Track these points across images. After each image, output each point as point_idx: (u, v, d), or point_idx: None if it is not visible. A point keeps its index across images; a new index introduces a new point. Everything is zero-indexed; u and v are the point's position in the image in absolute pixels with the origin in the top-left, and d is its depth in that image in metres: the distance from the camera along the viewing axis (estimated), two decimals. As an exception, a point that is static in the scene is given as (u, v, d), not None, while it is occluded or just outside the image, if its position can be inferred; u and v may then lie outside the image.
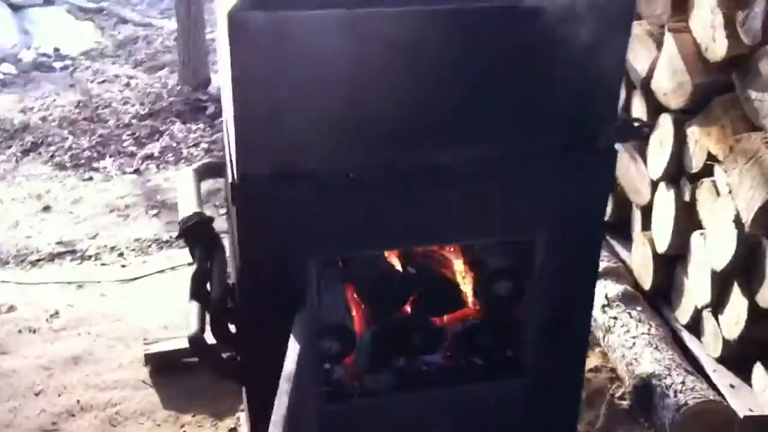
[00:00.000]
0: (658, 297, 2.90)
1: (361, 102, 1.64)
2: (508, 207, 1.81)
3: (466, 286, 2.11)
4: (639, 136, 1.99)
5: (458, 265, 2.12)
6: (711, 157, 2.52)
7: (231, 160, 1.81)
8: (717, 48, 2.47)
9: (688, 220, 2.64)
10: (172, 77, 6.63)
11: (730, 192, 2.36)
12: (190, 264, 2.08)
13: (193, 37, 6.17)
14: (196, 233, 2.41)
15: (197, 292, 2.14)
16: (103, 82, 6.75)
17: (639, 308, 2.78)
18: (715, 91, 2.56)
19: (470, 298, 2.11)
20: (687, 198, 2.65)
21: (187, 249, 2.13)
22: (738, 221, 2.30)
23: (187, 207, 2.51)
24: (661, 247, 2.79)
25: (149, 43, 7.85)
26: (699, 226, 2.61)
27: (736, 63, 2.47)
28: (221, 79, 2.02)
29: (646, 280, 2.93)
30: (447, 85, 1.66)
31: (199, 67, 6.26)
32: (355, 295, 2.10)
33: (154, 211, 4.55)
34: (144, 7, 9.44)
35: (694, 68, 2.60)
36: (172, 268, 3.82)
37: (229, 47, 1.55)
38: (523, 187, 1.80)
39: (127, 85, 6.61)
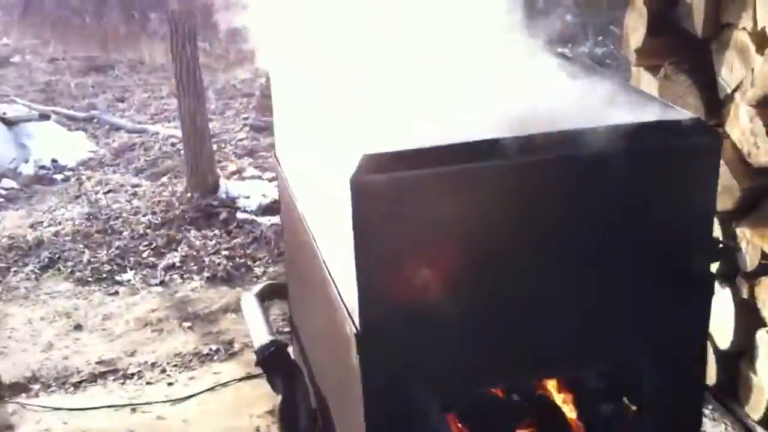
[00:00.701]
0: (725, 393, 3.01)
1: (476, 254, 1.76)
2: (613, 334, 1.93)
3: (569, 408, 2.19)
4: (730, 256, 2.13)
5: (559, 387, 2.21)
6: (765, 256, 2.66)
7: (345, 307, 1.88)
8: (762, 155, 2.65)
9: (748, 317, 2.77)
10: (178, 184, 6.72)
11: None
12: (242, 379, 2.12)
13: (200, 145, 6.29)
14: (275, 362, 2.50)
15: (289, 425, 2.22)
16: (109, 192, 6.81)
17: (710, 407, 2.89)
18: (764, 193, 2.72)
19: (574, 421, 2.19)
20: (745, 296, 2.79)
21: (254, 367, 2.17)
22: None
23: (260, 335, 2.60)
24: (723, 345, 2.91)
25: (147, 150, 7.94)
26: (761, 322, 2.74)
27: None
28: (319, 223, 2.12)
29: (711, 377, 3.04)
30: (558, 235, 1.79)
31: (208, 173, 6.38)
32: (458, 425, 2.16)
33: (188, 324, 4.59)
34: (132, 112, 9.58)
35: (738, 173, 2.76)
36: (224, 384, 3.86)
37: (352, 210, 1.66)
38: (628, 314, 1.91)
39: (135, 194, 6.68)
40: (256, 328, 2.69)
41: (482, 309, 1.81)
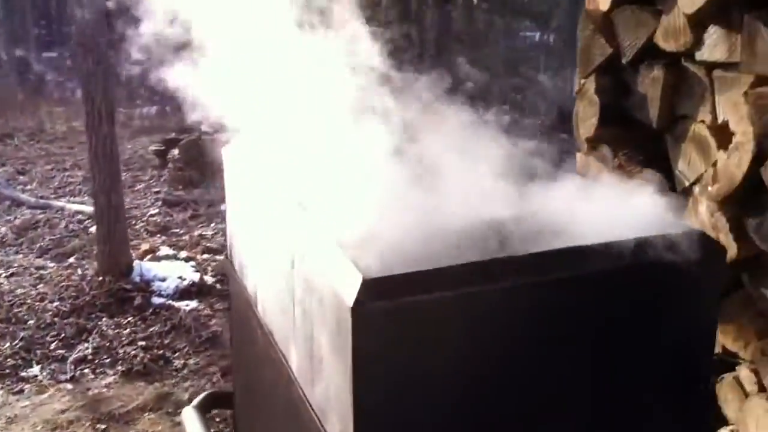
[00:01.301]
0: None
1: (479, 378, 1.61)
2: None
3: None
4: (732, 368, 2.05)
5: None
6: (728, 353, 2.60)
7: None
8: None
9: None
10: (87, 265, 6.36)
11: (762, 391, 2.43)
12: None
13: (114, 225, 5.98)
14: None
15: None
16: (12, 275, 6.39)
17: None
18: (725, 291, 2.67)
19: None
20: (711, 393, 2.71)
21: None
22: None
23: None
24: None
25: (52, 228, 7.55)
26: (724, 422, 2.66)
27: (745, 261, 2.59)
28: (293, 339, 1.93)
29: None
30: (563, 350, 1.66)
31: (121, 254, 6.05)
32: None
33: (102, 426, 4.24)
34: (35, 186, 9.14)
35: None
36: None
37: (351, 337, 1.49)
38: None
39: (40, 278, 6.27)
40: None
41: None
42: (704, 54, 2.60)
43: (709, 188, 2.61)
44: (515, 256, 1.56)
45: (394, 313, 1.50)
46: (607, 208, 1.85)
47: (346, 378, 1.52)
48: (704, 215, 2.68)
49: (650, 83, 2.86)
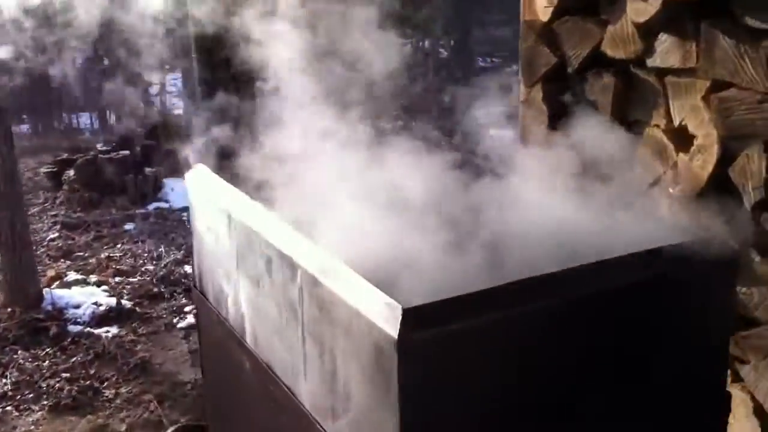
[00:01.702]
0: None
1: (522, 397, 1.60)
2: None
3: None
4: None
5: None
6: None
7: None
8: (687, 249, 2.68)
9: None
10: (-7, 298, 6.01)
11: (735, 381, 2.52)
12: None
13: (19, 254, 5.68)
14: None
15: None
16: None
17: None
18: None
19: None
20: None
21: None
22: (760, 413, 2.45)
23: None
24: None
25: (-56, 259, 7.09)
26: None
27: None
28: (305, 373, 1.87)
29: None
30: (596, 367, 1.67)
31: (29, 284, 5.75)
32: None
33: (38, 467, 4.02)
34: None
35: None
36: None
37: (396, 370, 1.45)
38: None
39: (-59, 312, 5.88)
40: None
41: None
42: (656, 61, 2.67)
43: (671, 190, 2.68)
44: (555, 273, 1.55)
45: (439, 342, 1.46)
46: (614, 218, 1.88)
47: (390, 412, 1.47)
48: (667, 215, 2.75)
49: (600, 90, 2.92)
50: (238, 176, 2.25)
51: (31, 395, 4.70)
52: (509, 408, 1.56)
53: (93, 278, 6.41)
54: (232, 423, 2.43)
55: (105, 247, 7.30)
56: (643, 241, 1.71)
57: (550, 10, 3.06)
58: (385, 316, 1.47)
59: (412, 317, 1.43)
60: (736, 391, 2.56)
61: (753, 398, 2.49)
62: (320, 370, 1.73)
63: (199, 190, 2.30)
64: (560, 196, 2.06)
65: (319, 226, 1.87)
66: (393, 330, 1.43)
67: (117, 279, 6.38)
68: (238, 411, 2.34)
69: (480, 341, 1.50)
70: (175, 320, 5.58)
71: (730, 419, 2.57)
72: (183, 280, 6.31)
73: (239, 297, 2.13)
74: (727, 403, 1.94)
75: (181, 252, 6.96)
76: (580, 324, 1.60)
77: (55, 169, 8.83)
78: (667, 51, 2.62)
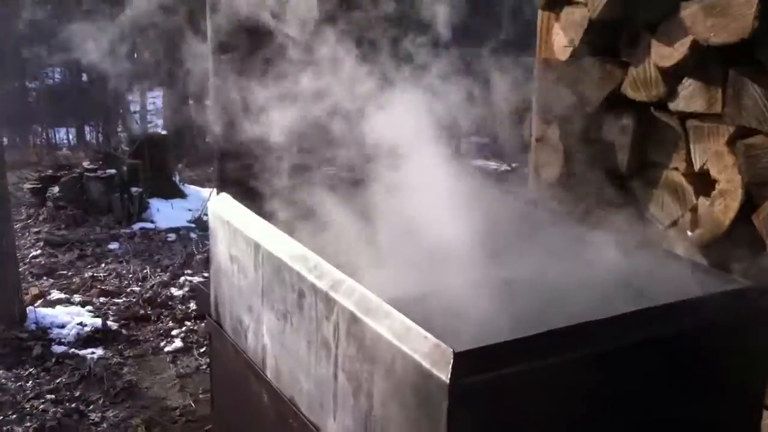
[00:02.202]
0: None
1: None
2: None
3: None
4: None
5: None
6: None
7: None
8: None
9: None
10: (-27, 315, 5.88)
11: None
12: None
13: (3, 271, 5.57)
14: None
15: None
16: None
17: None
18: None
19: None
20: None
21: None
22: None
23: None
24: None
25: (-77, 272, 6.93)
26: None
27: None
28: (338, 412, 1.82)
29: None
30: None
31: (13, 302, 5.64)
32: None
33: (24, 492, 3.90)
34: None
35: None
36: None
37: (446, 415, 1.41)
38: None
39: None
40: None
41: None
42: (679, 105, 2.68)
43: (689, 233, 2.68)
44: (605, 319, 1.52)
45: (489, 388, 1.43)
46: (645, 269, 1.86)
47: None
48: (682, 259, 2.74)
49: (619, 131, 2.92)
50: (262, 206, 2.22)
51: (15, 416, 4.57)
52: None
53: (77, 298, 6.29)
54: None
55: (89, 266, 7.18)
56: (682, 288, 1.69)
57: (570, 50, 3.06)
58: (434, 359, 1.43)
59: (463, 361, 1.40)
60: None
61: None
62: (353, 409, 1.68)
63: (221, 218, 2.25)
64: (588, 239, 2.03)
65: (355, 262, 1.84)
66: (443, 374, 1.39)
67: (102, 299, 6.27)
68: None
69: (529, 387, 1.46)
70: (162, 344, 5.48)
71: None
72: (169, 303, 6.22)
73: (261, 329, 2.08)
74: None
75: (167, 274, 6.86)
76: (628, 371, 1.57)
77: (39, 185, 8.70)
78: (691, 96, 2.63)
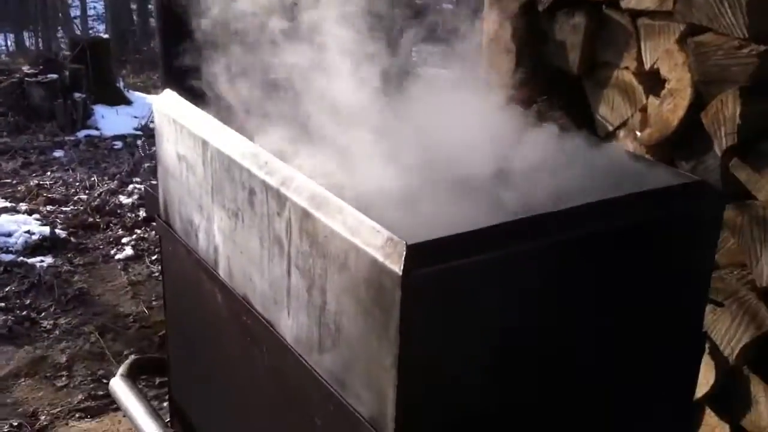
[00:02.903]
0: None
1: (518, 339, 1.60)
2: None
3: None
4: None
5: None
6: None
7: (361, 418, 1.62)
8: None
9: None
10: None
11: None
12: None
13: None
14: None
15: None
16: None
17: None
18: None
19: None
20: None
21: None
22: (714, 354, 2.52)
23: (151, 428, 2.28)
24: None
25: None
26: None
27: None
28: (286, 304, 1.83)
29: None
30: (587, 306, 1.67)
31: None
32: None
33: (-25, 397, 3.90)
34: None
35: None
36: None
37: (400, 309, 1.42)
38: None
39: None
40: (143, 423, 2.31)
41: (526, 401, 1.64)
42: (630, 2, 2.66)
43: (638, 133, 2.70)
44: (555, 212, 1.54)
45: (441, 279, 1.44)
46: (597, 162, 1.88)
47: (388, 346, 1.45)
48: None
49: (570, 30, 2.90)
50: (207, 102, 2.17)
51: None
52: (510, 348, 1.55)
53: (23, 206, 6.19)
54: (197, 355, 2.38)
55: (34, 174, 7.05)
56: (632, 182, 1.72)
57: (524, -55, 3.01)
58: (387, 252, 1.43)
59: (415, 253, 1.40)
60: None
61: (709, 338, 2.56)
62: (307, 304, 1.69)
63: (167, 116, 2.20)
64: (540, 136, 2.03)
65: (305, 157, 1.82)
66: (396, 266, 1.40)
67: (49, 207, 6.18)
68: (205, 343, 2.29)
69: (481, 279, 1.48)
70: (112, 251, 5.44)
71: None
72: (118, 211, 6.15)
73: (213, 228, 2.07)
74: (704, 342, 1.99)
75: (115, 182, 6.77)
76: (578, 264, 1.60)
77: (-22, 91, 8.44)
78: (643, -7, 2.61)
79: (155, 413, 2.34)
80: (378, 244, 1.46)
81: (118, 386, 2.48)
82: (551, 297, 1.56)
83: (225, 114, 2.12)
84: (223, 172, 1.95)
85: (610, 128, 2.84)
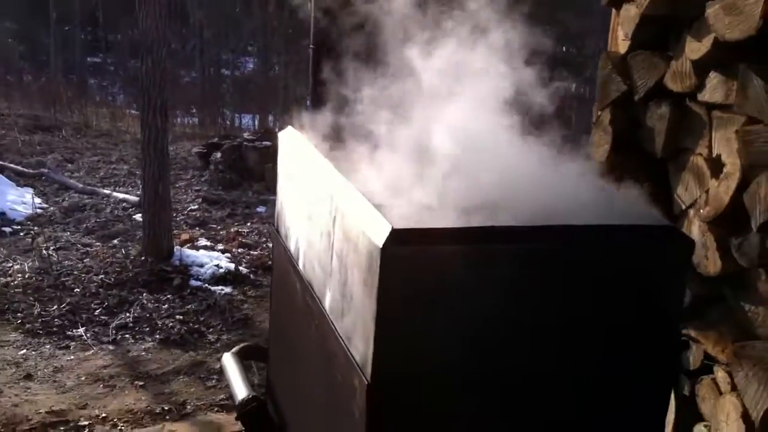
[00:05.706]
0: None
1: (480, 326, 2.00)
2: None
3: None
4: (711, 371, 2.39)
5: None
6: (708, 357, 2.96)
7: (355, 363, 2.07)
8: (710, 266, 2.97)
9: (689, 412, 3.05)
10: (131, 247, 6.81)
11: (733, 390, 2.79)
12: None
13: (159, 212, 6.43)
14: (254, 416, 2.68)
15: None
16: (60, 249, 6.85)
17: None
18: (709, 301, 3.04)
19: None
20: (686, 392, 3.07)
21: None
22: (746, 418, 2.71)
23: (241, 390, 2.77)
24: (665, 436, 3.18)
25: (98, 212, 8.02)
26: (699, 417, 3.01)
27: (728, 276, 2.95)
28: (330, 289, 2.32)
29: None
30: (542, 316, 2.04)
31: (164, 240, 6.50)
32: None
33: (141, 382, 4.66)
34: (82, 174, 9.64)
35: (689, 281, 3.07)
36: (180, 443, 3.95)
37: (378, 275, 1.88)
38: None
39: (86, 253, 6.74)
40: (236, 383, 2.84)
41: (482, 379, 2.03)
42: (705, 95, 2.99)
43: (701, 211, 2.99)
44: (513, 226, 1.95)
45: (413, 258, 1.89)
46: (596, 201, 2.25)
47: (372, 307, 1.91)
48: (697, 235, 3.05)
49: (658, 118, 3.25)
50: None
51: (147, 329, 5.39)
52: (462, 317, 1.96)
53: (220, 246, 7.12)
54: (286, 342, 2.92)
55: (236, 223, 8.04)
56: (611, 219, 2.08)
57: (627, 43, 3.42)
58: (378, 233, 1.91)
59: (396, 235, 1.88)
60: (729, 398, 2.84)
61: (742, 404, 2.76)
62: (338, 281, 2.19)
63: (286, 146, 2.82)
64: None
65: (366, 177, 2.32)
66: (380, 242, 1.88)
67: (240, 250, 7.07)
68: (290, 330, 2.83)
69: (445, 263, 1.92)
70: (281, 291, 6.18)
71: (722, 422, 2.85)
72: (297, 261, 6.91)
73: (299, 230, 2.63)
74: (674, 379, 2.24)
75: (302, 237, 7.58)
76: (532, 274, 1.98)
77: (204, 151, 9.73)
78: (714, 88, 2.94)
79: (247, 382, 2.87)
80: (376, 229, 1.95)
81: (227, 360, 3.06)
82: (507, 294, 1.97)
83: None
84: (307, 185, 2.52)
85: (683, 207, 3.14)
